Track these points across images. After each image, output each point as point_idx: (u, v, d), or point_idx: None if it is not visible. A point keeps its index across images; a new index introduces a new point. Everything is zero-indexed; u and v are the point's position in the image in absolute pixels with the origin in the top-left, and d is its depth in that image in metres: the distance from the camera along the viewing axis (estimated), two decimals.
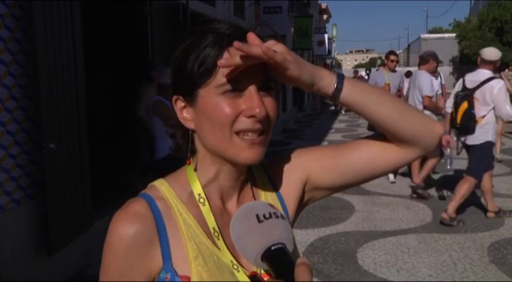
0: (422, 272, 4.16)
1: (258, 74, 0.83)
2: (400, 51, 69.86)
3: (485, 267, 4.22)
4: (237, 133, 0.84)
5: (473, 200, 6.36)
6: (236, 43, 0.76)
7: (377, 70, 10.41)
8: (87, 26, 4.53)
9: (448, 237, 4.99)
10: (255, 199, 0.96)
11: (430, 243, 4.86)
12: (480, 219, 5.59)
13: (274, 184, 1.00)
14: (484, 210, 5.82)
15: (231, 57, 0.79)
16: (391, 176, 7.31)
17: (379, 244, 4.86)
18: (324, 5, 36.33)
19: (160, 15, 5.81)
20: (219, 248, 0.87)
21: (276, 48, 0.79)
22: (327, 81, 0.87)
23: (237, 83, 0.82)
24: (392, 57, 7.57)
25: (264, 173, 1.01)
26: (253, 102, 0.82)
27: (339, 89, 0.87)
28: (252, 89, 0.83)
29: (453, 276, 4.06)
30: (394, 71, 7.53)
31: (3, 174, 3.51)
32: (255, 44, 0.78)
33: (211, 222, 0.88)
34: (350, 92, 0.88)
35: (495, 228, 5.25)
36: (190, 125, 0.89)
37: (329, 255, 4.57)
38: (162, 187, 0.90)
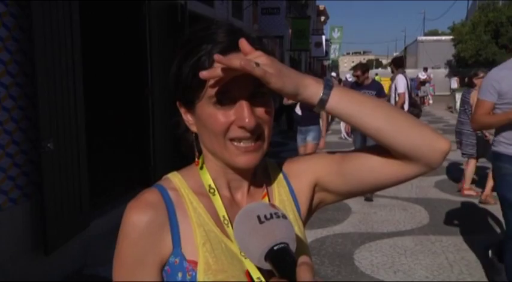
0: (419, 273, 4.18)
1: (249, 82, 0.83)
2: (397, 53, 70.02)
3: (481, 269, 4.23)
4: (232, 140, 0.87)
5: (469, 203, 6.39)
6: (216, 56, 0.78)
7: None
8: (85, 25, 4.53)
9: (444, 239, 5.00)
10: (267, 193, 0.99)
11: (426, 245, 4.87)
12: (476, 221, 5.61)
13: (287, 180, 1.03)
14: (481, 212, 5.85)
15: (214, 69, 0.81)
16: None
17: (376, 246, 4.87)
18: (321, 7, 36.40)
19: (158, 15, 5.80)
20: (228, 236, 0.90)
21: (259, 60, 0.79)
22: (311, 91, 0.85)
23: (226, 93, 0.84)
24: None
25: (279, 170, 1.05)
26: (243, 113, 0.84)
27: (323, 99, 0.85)
28: (242, 99, 0.85)
29: (450, 278, 4.07)
30: None
31: (0, 173, 3.50)
32: (245, 52, 0.80)
33: (221, 210, 0.92)
34: (337, 103, 0.86)
35: (491, 230, 5.26)
36: (193, 128, 0.95)
37: (326, 257, 4.58)
38: (175, 179, 0.95)
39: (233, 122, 0.86)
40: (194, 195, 0.92)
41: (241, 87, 0.84)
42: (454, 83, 24.95)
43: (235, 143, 0.87)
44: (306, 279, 0.69)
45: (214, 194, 0.93)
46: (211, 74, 0.81)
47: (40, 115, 3.60)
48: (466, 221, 5.62)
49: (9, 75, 3.57)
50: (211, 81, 0.83)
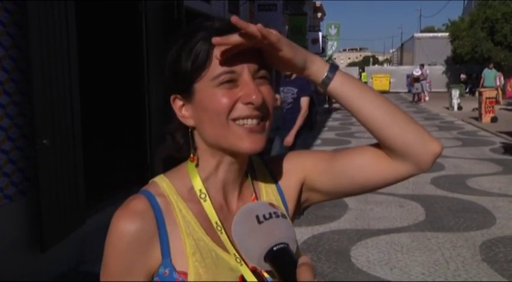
0: (415, 270, 4.19)
1: (252, 62, 0.84)
2: (394, 50, 70.10)
3: (477, 266, 4.25)
4: (234, 120, 0.84)
5: (465, 199, 6.41)
6: (234, 17, 0.77)
7: None
8: (81, 22, 4.50)
9: (440, 236, 5.02)
10: (255, 193, 0.96)
11: (422, 241, 4.88)
12: (472, 218, 5.63)
13: (275, 179, 1.01)
14: (477, 209, 5.86)
15: (227, 37, 0.80)
16: None
17: (372, 242, 4.88)
18: (318, 3, 36.35)
19: (155, 12, 5.77)
20: (219, 244, 0.86)
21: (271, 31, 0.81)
22: (318, 66, 0.87)
23: (231, 73, 0.83)
24: None
25: (265, 168, 1.02)
26: (249, 89, 0.82)
27: (329, 77, 0.87)
28: (246, 76, 0.83)
29: (445, 275, 4.09)
30: None
31: None
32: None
33: (213, 217, 0.88)
34: (340, 83, 0.88)
35: (487, 227, 5.28)
36: (190, 122, 0.90)
37: (322, 253, 4.58)
38: (162, 183, 0.90)
39: (238, 100, 0.83)
40: (183, 201, 0.88)
41: (245, 65, 0.83)
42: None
43: (239, 122, 0.84)
44: (307, 280, 0.68)
45: (205, 200, 0.89)
46: (225, 40, 0.79)
47: (36, 111, 3.58)
48: (462, 217, 5.64)
49: (4, 71, 3.55)
50: (218, 57, 0.81)
